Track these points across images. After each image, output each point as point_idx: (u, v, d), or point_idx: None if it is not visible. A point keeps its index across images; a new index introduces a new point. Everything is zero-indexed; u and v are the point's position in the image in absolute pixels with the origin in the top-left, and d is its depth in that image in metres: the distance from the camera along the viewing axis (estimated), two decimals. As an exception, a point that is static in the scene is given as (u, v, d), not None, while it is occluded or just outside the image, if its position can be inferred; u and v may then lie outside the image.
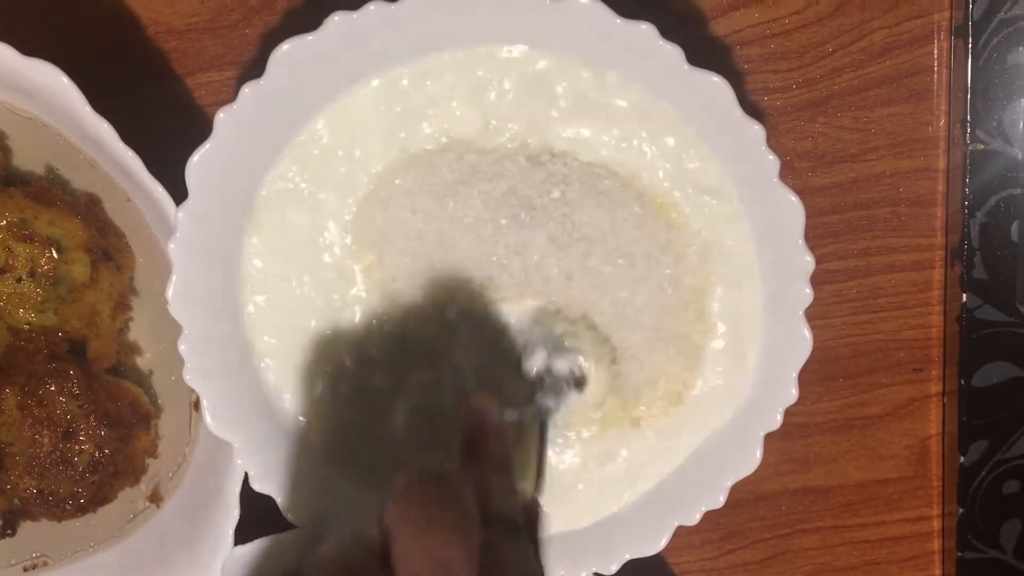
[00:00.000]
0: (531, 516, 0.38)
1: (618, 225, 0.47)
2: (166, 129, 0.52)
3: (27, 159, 0.51)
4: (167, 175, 0.46)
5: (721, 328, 0.50)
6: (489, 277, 0.48)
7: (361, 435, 0.50)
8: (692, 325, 0.49)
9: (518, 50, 0.46)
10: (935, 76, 0.54)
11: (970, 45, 0.52)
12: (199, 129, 0.46)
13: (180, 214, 0.45)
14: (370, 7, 0.43)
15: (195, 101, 0.54)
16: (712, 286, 0.49)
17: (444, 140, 0.48)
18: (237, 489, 0.50)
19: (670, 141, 0.47)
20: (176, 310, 0.46)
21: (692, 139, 0.47)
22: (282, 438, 0.50)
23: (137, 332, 0.54)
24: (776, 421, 0.49)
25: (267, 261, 0.49)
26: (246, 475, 0.49)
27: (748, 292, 0.49)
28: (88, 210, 0.51)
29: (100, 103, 0.46)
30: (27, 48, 0.45)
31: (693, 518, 0.50)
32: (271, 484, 0.49)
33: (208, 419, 0.47)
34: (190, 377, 0.47)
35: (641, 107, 0.47)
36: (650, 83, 0.46)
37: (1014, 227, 0.54)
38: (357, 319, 0.49)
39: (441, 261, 0.48)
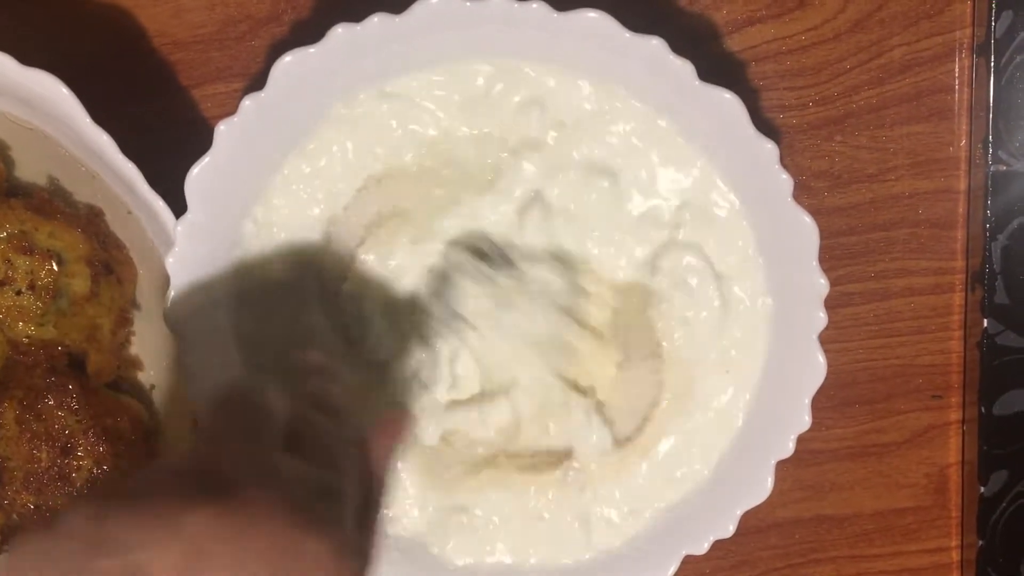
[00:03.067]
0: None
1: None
2: (171, 141, 0.51)
3: (29, 170, 0.51)
4: (173, 187, 0.45)
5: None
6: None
7: None
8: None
9: (524, 64, 0.45)
10: (956, 95, 0.53)
11: (992, 63, 0.51)
12: (204, 141, 0.45)
13: (179, 228, 0.45)
14: (374, 19, 0.43)
15: (201, 113, 0.53)
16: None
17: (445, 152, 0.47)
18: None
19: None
20: (173, 325, 0.46)
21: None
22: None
23: (139, 346, 0.54)
24: (788, 449, 0.47)
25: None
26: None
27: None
28: (89, 222, 0.51)
29: (105, 114, 0.45)
30: (31, 59, 0.45)
31: (702, 547, 0.49)
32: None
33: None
34: (190, 396, 0.46)
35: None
36: (660, 99, 0.45)
37: (1037, 251, 0.52)
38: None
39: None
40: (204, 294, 0.46)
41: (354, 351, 0.49)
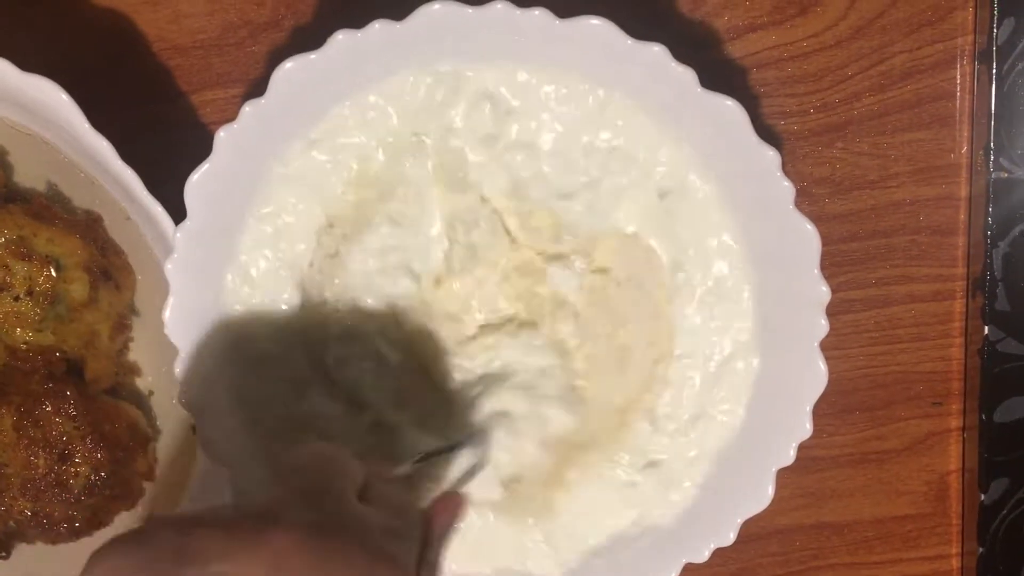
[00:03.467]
0: None
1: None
2: (171, 147, 0.51)
3: (28, 176, 0.51)
4: (172, 193, 0.45)
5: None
6: None
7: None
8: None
9: (525, 70, 0.45)
10: (957, 102, 0.53)
11: (994, 71, 0.51)
12: (204, 147, 0.45)
13: (178, 234, 0.44)
14: (375, 26, 0.42)
15: (200, 119, 0.53)
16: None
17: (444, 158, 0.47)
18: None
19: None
20: (173, 332, 0.45)
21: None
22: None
23: (137, 353, 0.53)
24: (789, 456, 0.47)
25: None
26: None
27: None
28: (88, 228, 0.50)
29: (104, 119, 0.45)
30: (31, 64, 0.45)
31: (702, 555, 0.48)
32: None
33: (201, 446, 0.46)
34: (184, 397, 0.46)
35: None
36: (661, 107, 0.44)
37: (1038, 258, 0.52)
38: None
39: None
40: (204, 302, 0.46)
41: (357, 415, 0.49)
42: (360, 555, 0.33)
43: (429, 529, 0.41)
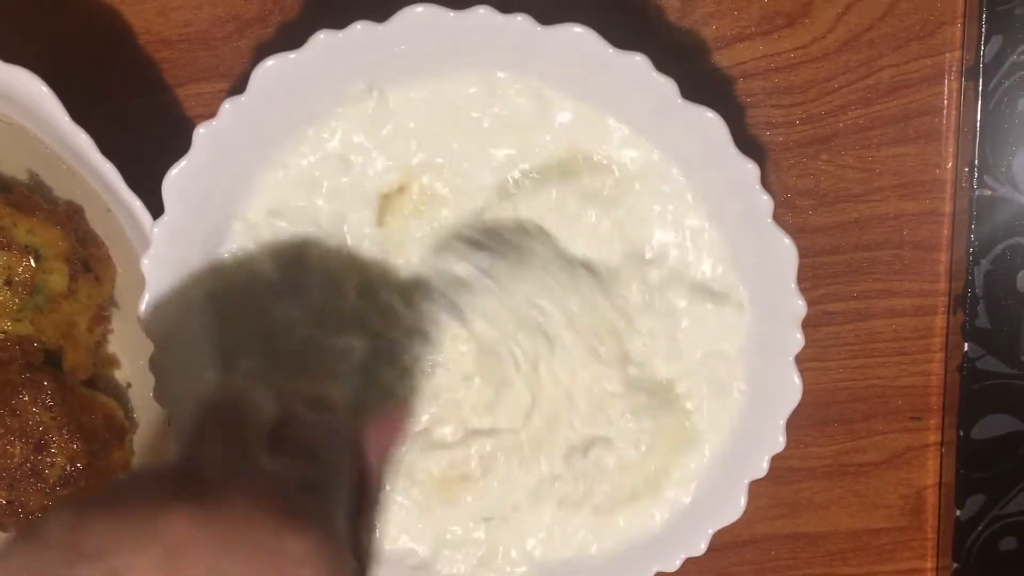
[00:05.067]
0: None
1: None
2: (154, 140, 0.51)
3: (9, 165, 0.51)
4: (155, 187, 0.45)
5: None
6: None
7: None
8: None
9: (505, 77, 0.44)
10: (944, 118, 0.53)
11: (980, 87, 0.50)
12: (187, 141, 0.45)
13: (155, 230, 0.44)
14: (356, 27, 0.42)
15: (185, 113, 0.53)
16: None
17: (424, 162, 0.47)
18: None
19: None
20: (148, 328, 0.45)
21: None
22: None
23: (116, 344, 0.53)
24: (762, 469, 0.47)
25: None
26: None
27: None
28: (69, 219, 0.50)
29: (87, 111, 0.45)
30: (12, 54, 0.45)
31: (673, 564, 0.48)
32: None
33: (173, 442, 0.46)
34: (159, 398, 0.46)
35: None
36: (640, 118, 0.44)
37: (1020, 276, 0.52)
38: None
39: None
40: (180, 298, 0.46)
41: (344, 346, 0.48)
42: (265, 528, 0.30)
43: (362, 466, 0.37)
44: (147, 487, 0.32)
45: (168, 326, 0.46)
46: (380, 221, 0.47)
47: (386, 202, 0.47)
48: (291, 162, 0.46)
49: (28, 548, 0.30)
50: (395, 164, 0.46)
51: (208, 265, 0.47)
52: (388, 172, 0.46)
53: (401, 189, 0.47)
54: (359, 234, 0.47)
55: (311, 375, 0.46)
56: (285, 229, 0.47)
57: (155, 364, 0.46)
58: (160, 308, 0.45)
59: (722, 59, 0.52)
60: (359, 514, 0.36)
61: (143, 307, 0.45)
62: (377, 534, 0.37)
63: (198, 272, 0.46)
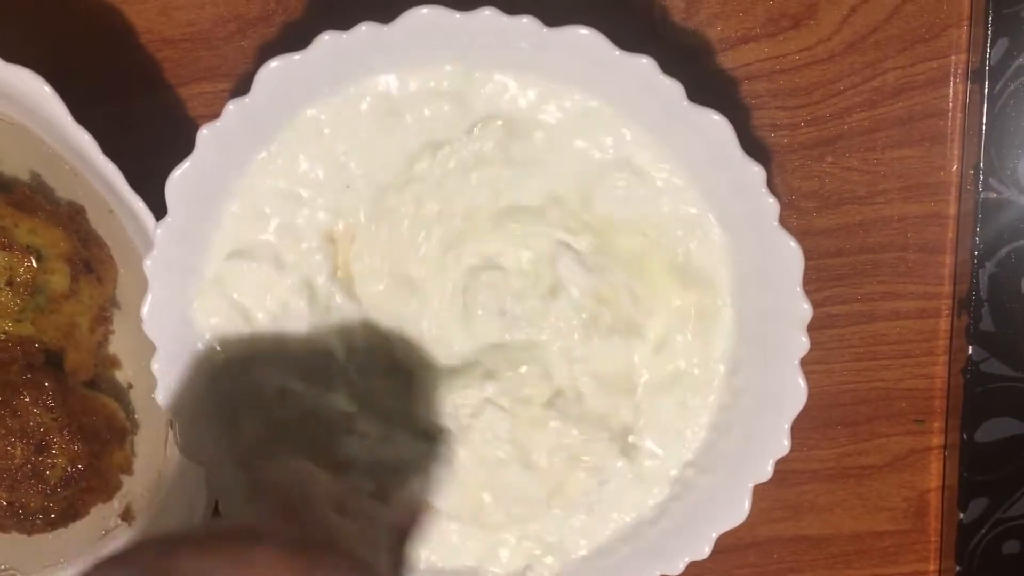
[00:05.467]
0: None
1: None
2: (156, 140, 0.51)
3: (11, 165, 0.50)
4: (157, 187, 0.45)
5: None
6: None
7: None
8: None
9: (509, 79, 0.44)
10: (949, 120, 0.52)
11: (986, 90, 0.50)
12: (190, 141, 0.44)
13: (158, 230, 0.44)
14: (361, 28, 0.42)
15: (187, 113, 0.53)
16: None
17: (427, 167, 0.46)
18: (209, 512, 0.48)
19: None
20: (150, 329, 0.45)
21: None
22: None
23: (117, 345, 0.53)
24: (767, 472, 0.47)
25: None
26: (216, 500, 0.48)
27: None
28: (71, 220, 0.50)
29: (89, 111, 0.45)
30: (15, 54, 0.44)
31: (677, 567, 0.48)
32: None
33: (177, 443, 0.46)
34: (162, 398, 0.46)
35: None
36: (646, 120, 0.44)
37: (1024, 279, 0.52)
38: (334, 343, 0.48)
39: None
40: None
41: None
42: (342, 564, 0.35)
43: (400, 532, 0.43)
44: (233, 532, 0.35)
45: (170, 328, 0.46)
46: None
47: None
48: (295, 163, 0.46)
49: (123, 570, 0.31)
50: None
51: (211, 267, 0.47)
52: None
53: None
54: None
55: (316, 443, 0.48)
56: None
57: (159, 368, 0.46)
58: (163, 310, 0.45)
59: (727, 61, 0.52)
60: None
61: (145, 308, 0.45)
62: None
63: (201, 273, 0.46)
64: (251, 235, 0.46)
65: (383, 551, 0.40)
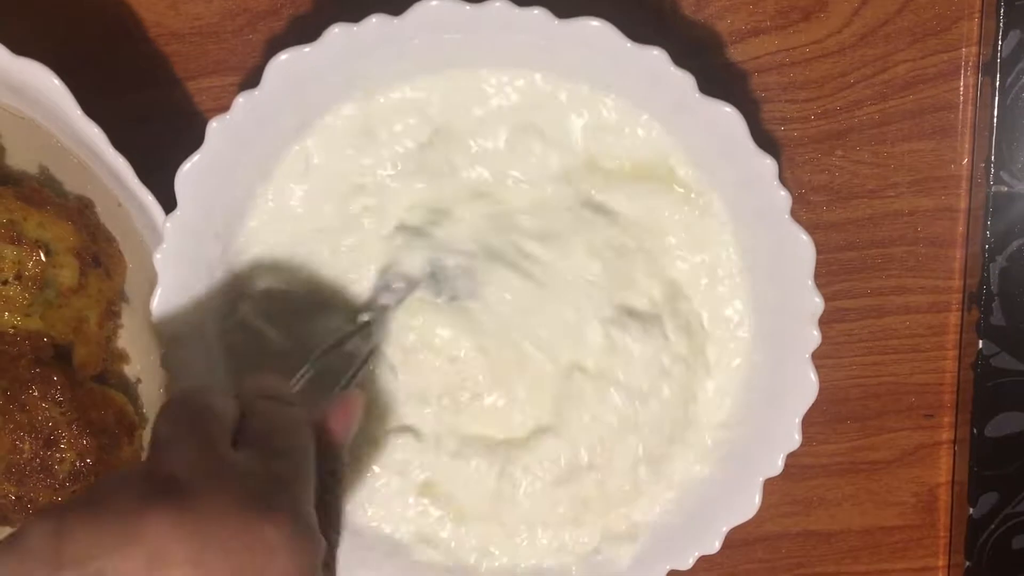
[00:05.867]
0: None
1: None
2: (165, 133, 0.50)
3: (20, 159, 0.50)
4: (166, 180, 0.45)
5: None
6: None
7: None
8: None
9: (522, 72, 0.44)
10: (960, 113, 0.52)
11: (997, 83, 0.50)
12: (199, 134, 0.44)
13: (168, 224, 0.44)
14: (372, 20, 0.42)
15: (196, 106, 0.53)
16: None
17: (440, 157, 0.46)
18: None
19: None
20: (160, 324, 0.45)
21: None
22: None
23: (126, 340, 0.53)
24: (777, 467, 0.47)
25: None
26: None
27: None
28: (79, 214, 0.50)
29: (98, 104, 0.45)
30: (24, 47, 0.44)
31: (686, 562, 0.48)
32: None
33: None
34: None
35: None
36: (658, 112, 0.44)
37: (1035, 273, 0.52)
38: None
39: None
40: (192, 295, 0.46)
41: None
42: (240, 522, 0.32)
43: (323, 450, 0.39)
44: (124, 490, 0.33)
45: (180, 323, 0.46)
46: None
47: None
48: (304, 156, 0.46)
49: (11, 558, 0.31)
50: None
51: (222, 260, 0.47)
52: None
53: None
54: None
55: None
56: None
57: (167, 361, 0.46)
58: (172, 303, 0.45)
59: (737, 53, 0.52)
60: (325, 494, 0.38)
61: (155, 302, 0.45)
62: (341, 512, 0.40)
63: (212, 267, 0.46)
64: None
65: (299, 483, 0.36)
